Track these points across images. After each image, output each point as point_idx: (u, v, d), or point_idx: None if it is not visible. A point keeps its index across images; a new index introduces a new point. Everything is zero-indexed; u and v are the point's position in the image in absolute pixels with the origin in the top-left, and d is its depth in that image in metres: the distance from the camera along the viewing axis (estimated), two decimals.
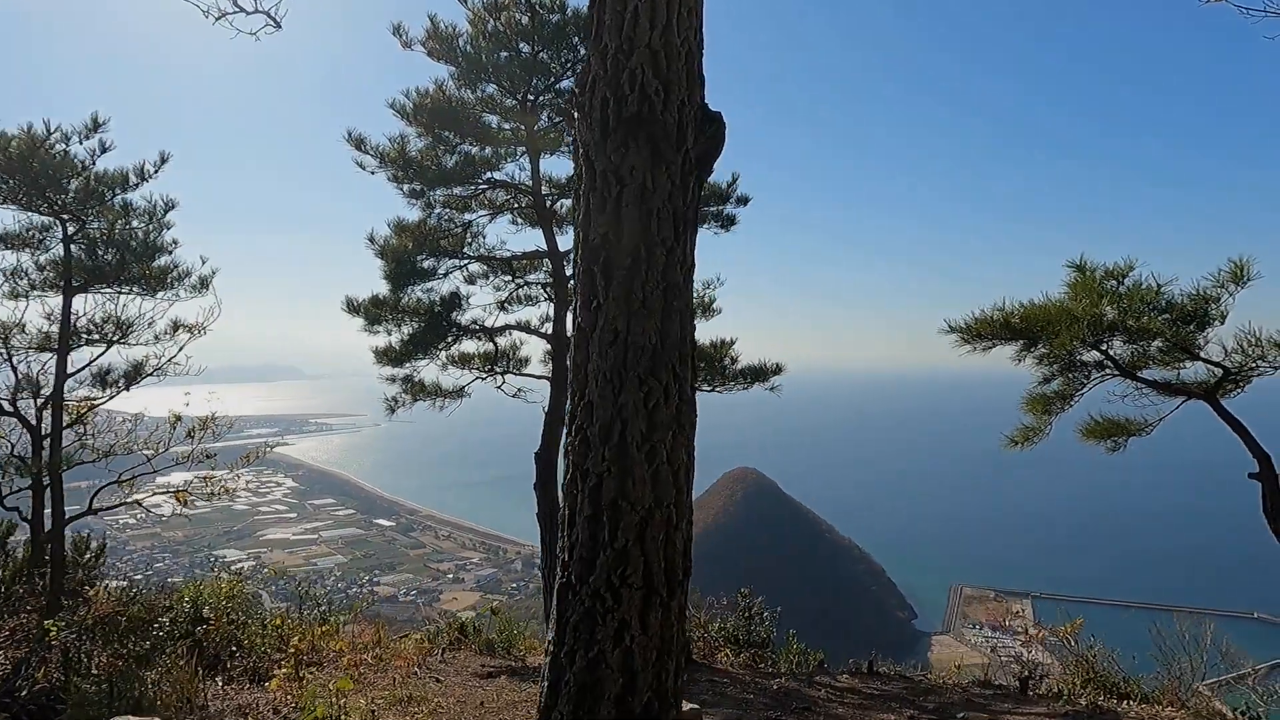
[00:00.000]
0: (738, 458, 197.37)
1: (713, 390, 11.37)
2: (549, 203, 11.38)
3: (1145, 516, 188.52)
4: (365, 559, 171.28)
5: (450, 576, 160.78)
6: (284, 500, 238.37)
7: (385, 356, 10.60)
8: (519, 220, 11.94)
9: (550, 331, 11.14)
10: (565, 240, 11.72)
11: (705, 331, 11.18)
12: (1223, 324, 7.96)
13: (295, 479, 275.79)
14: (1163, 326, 7.52)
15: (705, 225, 11.47)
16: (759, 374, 11.06)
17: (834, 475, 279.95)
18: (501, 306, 12.07)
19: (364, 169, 9.99)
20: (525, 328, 11.55)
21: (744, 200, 10.99)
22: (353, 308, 10.38)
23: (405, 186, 10.44)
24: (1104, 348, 7.93)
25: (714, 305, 11.59)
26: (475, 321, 11.30)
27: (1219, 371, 7.90)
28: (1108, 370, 8.12)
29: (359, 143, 9.87)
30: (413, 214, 10.71)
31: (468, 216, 11.13)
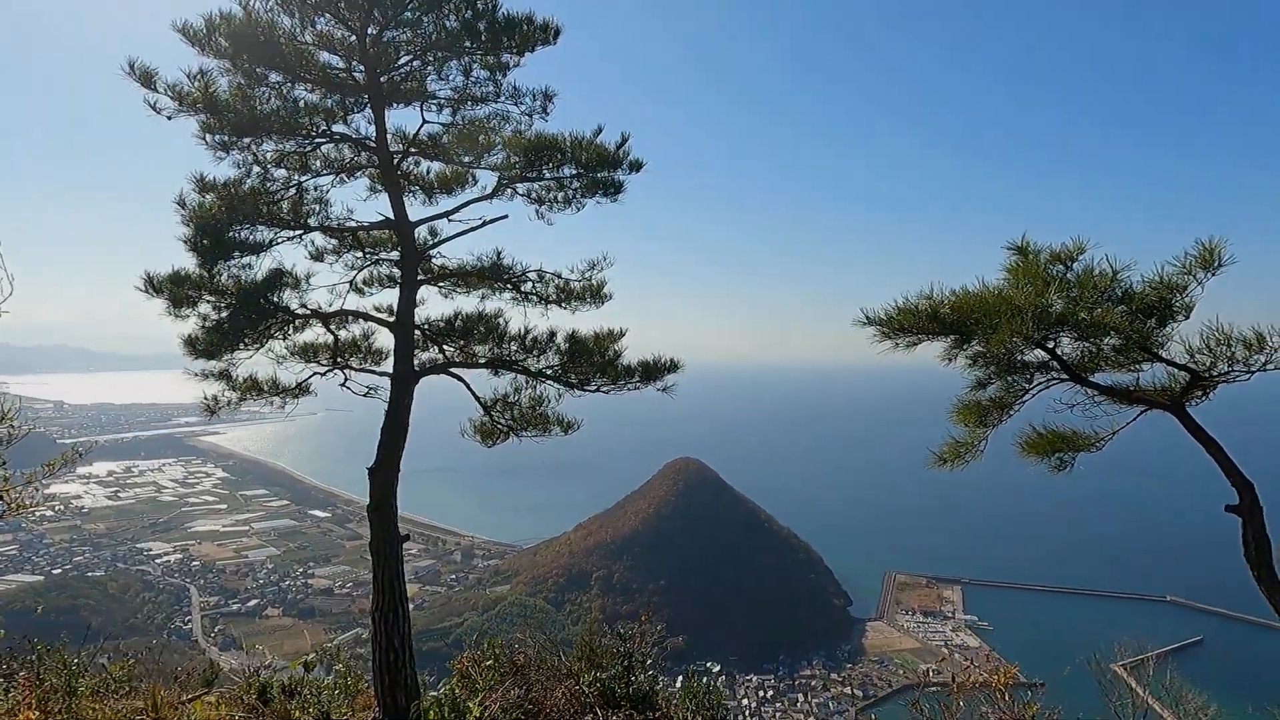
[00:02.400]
0: (680, 449, 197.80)
1: (598, 390, 9.69)
2: (398, 161, 9.49)
3: (1067, 504, 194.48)
4: (299, 551, 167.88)
5: None
6: (214, 491, 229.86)
7: (192, 347, 8.58)
8: (379, 186, 9.99)
9: (394, 318, 9.25)
10: (417, 209, 9.88)
11: (593, 320, 9.52)
12: (1187, 319, 6.57)
13: (226, 469, 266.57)
14: (1120, 320, 6.07)
15: (591, 196, 9.74)
16: (651, 371, 9.38)
17: (776, 466, 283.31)
18: (357, 289, 10.17)
19: (158, 112, 7.98)
20: (365, 315, 9.61)
21: (636, 166, 9.26)
22: (153, 286, 8.35)
23: (210, 137, 8.43)
24: (1051, 345, 6.46)
25: (604, 290, 9.87)
26: (305, 306, 9.33)
27: (1184, 376, 6.51)
28: (1054, 374, 6.67)
29: (147, 78, 7.84)
30: (221, 170, 8.72)
31: (300, 178, 9.17)
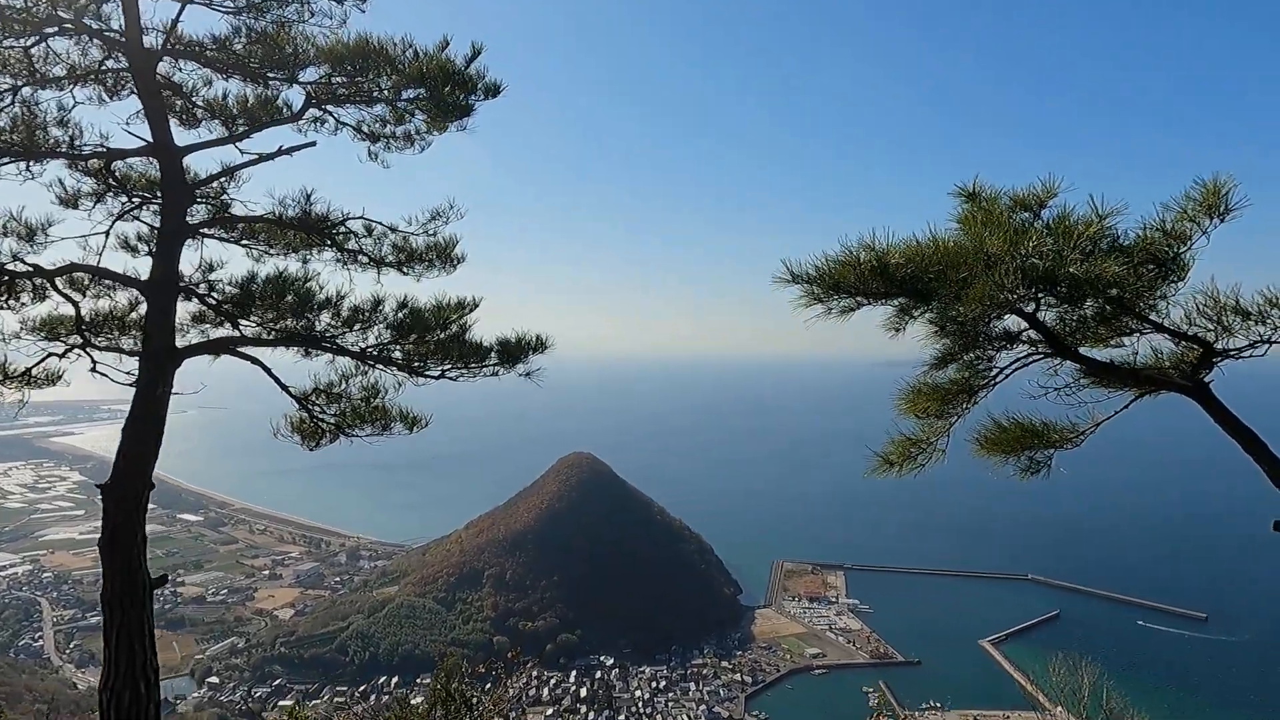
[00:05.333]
0: (574, 443, 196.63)
1: (442, 375, 7.63)
2: (160, 67, 7.09)
3: (937, 487, 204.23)
4: (167, 558, 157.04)
5: (266, 573, 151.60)
6: (69, 496, 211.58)
7: None
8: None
9: (147, 276, 6.85)
10: (186, 134, 7.49)
11: (435, 287, 7.43)
12: (1183, 281, 5.13)
13: (83, 472, 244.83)
14: (1122, 275, 4.54)
15: (438, 128, 7.63)
16: (512, 352, 7.39)
17: (669, 459, 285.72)
18: (129, 248, 7.71)
19: None
20: (104, 272, 7.12)
21: (493, 89, 7.23)
22: None
23: None
24: (1034, 309, 4.88)
25: (455, 251, 7.77)
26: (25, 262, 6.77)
27: (1196, 350, 5.07)
28: (1038, 347, 5.11)
29: None
30: None
31: (23, 85, 6.63)
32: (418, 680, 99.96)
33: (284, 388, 7.60)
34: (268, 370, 7.41)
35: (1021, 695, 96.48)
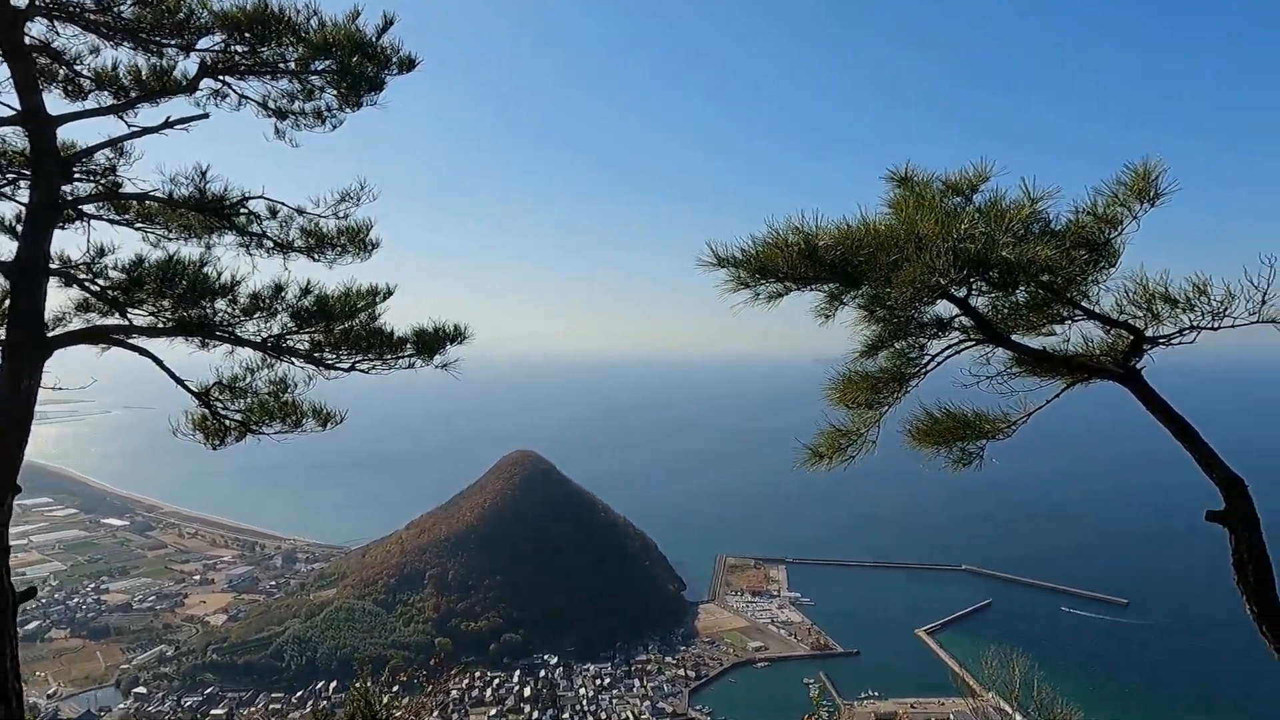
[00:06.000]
0: (517, 441, 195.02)
1: (353, 367, 7.16)
2: (35, 29, 6.42)
3: (875, 481, 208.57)
4: (90, 564, 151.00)
5: (197, 578, 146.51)
6: None
7: None
8: (48, 82, 6.85)
9: (13, 256, 6.18)
10: (72, 107, 6.85)
11: (348, 275, 6.95)
12: (1114, 267, 5.03)
13: None
14: (1056, 259, 4.39)
15: (350, 104, 7.15)
16: (428, 343, 6.96)
17: (614, 456, 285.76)
18: (6, 229, 7.01)
19: None
20: None
21: (408, 64, 6.77)
22: None
23: None
24: (966, 294, 4.71)
25: (369, 236, 7.28)
26: None
27: (1126, 337, 4.96)
28: (970, 334, 4.94)
29: None
30: None
31: None
32: (356, 684, 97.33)
33: (180, 382, 7.01)
34: (159, 362, 6.79)
35: (956, 683, 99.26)
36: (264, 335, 7.01)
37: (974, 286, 4.67)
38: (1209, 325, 4.67)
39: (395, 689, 10.36)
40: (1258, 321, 4.33)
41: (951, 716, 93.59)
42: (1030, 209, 4.84)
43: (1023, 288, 4.96)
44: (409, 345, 6.91)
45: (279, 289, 6.86)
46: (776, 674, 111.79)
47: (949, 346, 4.99)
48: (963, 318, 4.86)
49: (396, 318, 7.30)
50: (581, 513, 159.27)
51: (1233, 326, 4.49)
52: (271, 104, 7.31)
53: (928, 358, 4.99)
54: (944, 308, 4.89)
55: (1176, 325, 4.96)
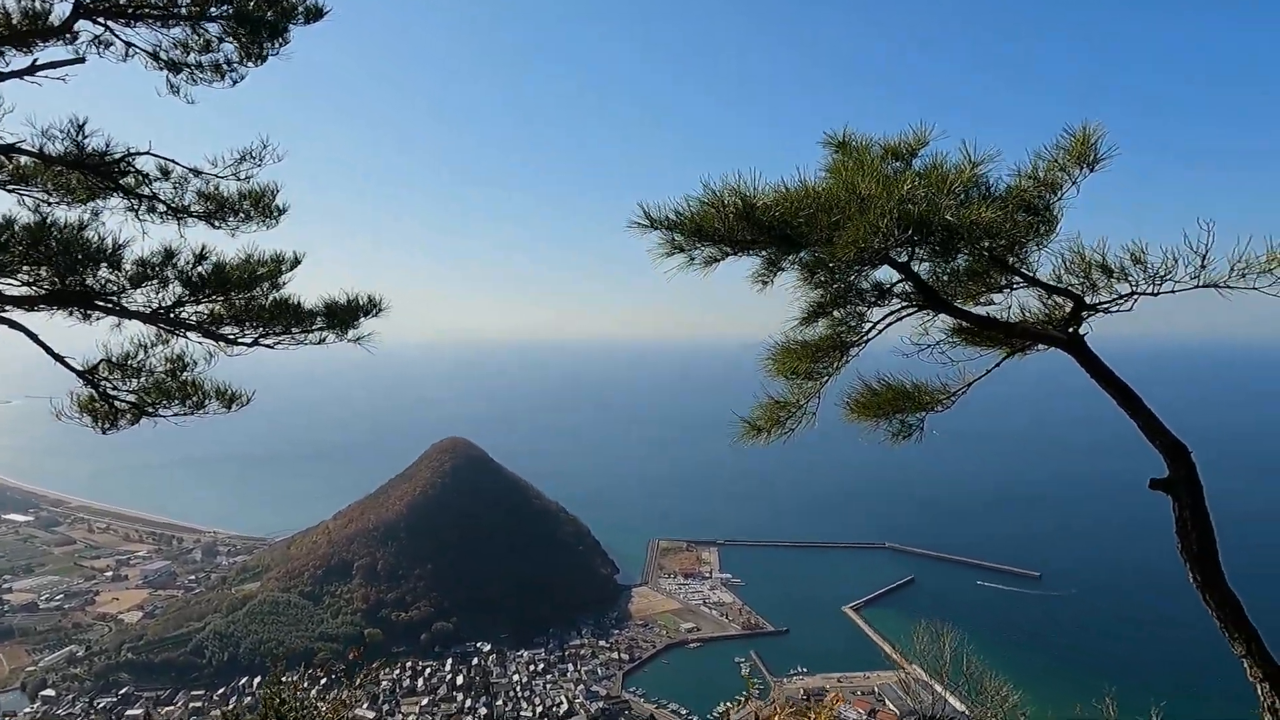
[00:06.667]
0: (448, 429, 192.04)
1: (256, 343, 6.61)
2: None
3: (803, 464, 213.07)
4: None
5: (110, 575, 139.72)
6: None
7: None
8: None
9: None
10: None
11: (249, 243, 6.37)
12: (1053, 234, 4.94)
13: None
14: (998, 221, 4.24)
15: (252, 57, 6.56)
16: (340, 315, 6.46)
17: (548, 442, 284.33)
18: None
19: None
20: None
21: (315, 13, 6.22)
22: None
23: None
24: (908, 259, 4.53)
25: (274, 201, 6.70)
26: None
27: (1065, 306, 4.87)
28: (911, 301, 4.77)
29: None
30: None
31: None
32: (282, 678, 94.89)
33: (59, 359, 6.33)
34: (34, 337, 6.08)
35: (881, 656, 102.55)
36: (154, 306, 6.41)
37: (916, 251, 4.50)
38: (1149, 291, 4.61)
39: (323, 681, 9.85)
40: (1199, 286, 4.28)
41: (877, 689, 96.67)
42: (971, 172, 4.69)
43: (963, 254, 4.82)
44: (319, 318, 6.41)
45: (169, 254, 6.25)
46: (708, 654, 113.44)
47: (891, 313, 4.83)
48: (904, 284, 4.69)
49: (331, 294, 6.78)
50: (514, 499, 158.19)
51: (1173, 292, 4.43)
52: (164, 55, 6.66)
53: (869, 325, 4.82)
54: (885, 274, 4.72)
55: (1112, 294, 4.91)
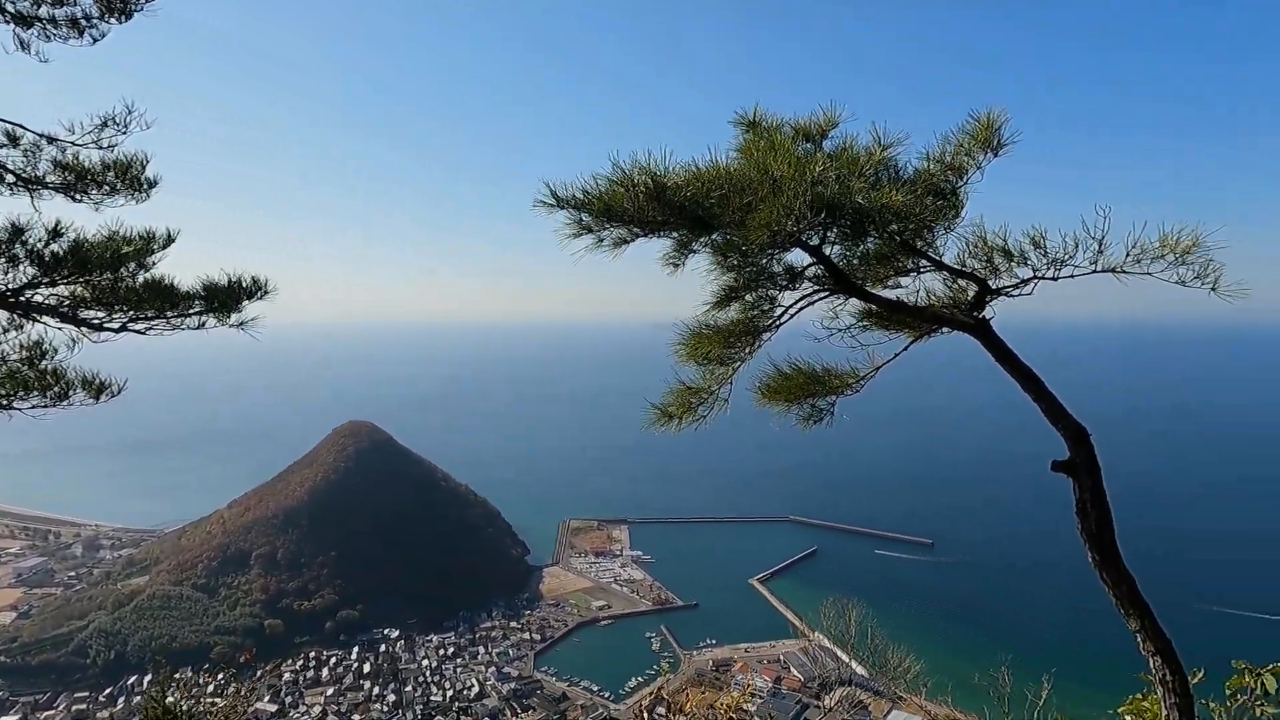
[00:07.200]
0: (351, 413, 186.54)
1: (124, 328, 6.04)
2: None
3: (710, 440, 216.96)
4: None
5: None
6: None
7: None
8: None
9: None
10: None
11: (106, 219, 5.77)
12: (959, 218, 4.99)
13: None
14: (908, 205, 4.23)
15: (114, 11, 5.94)
16: (220, 298, 5.96)
17: (454, 425, 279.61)
18: None
19: None
20: None
21: None
22: None
23: None
24: (820, 242, 4.47)
25: (143, 173, 6.09)
26: None
27: (969, 289, 4.93)
28: (823, 285, 4.73)
29: None
30: None
31: None
32: (175, 675, 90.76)
33: None
34: None
35: (787, 626, 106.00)
36: (2, 288, 5.75)
37: (828, 234, 4.45)
38: (1049, 276, 4.71)
39: (220, 676, 9.29)
40: (1096, 271, 4.40)
41: (782, 657, 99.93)
42: (881, 155, 4.68)
43: (873, 237, 4.81)
44: (198, 301, 5.89)
45: (18, 231, 5.60)
46: (620, 631, 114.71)
47: (803, 297, 4.78)
48: (816, 267, 4.65)
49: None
50: (421, 482, 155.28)
51: (1072, 276, 4.54)
52: (10, 6, 5.96)
53: (781, 309, 4.77)
54: (797, 257, 4.66)
55: (1014, 278, 5.00)
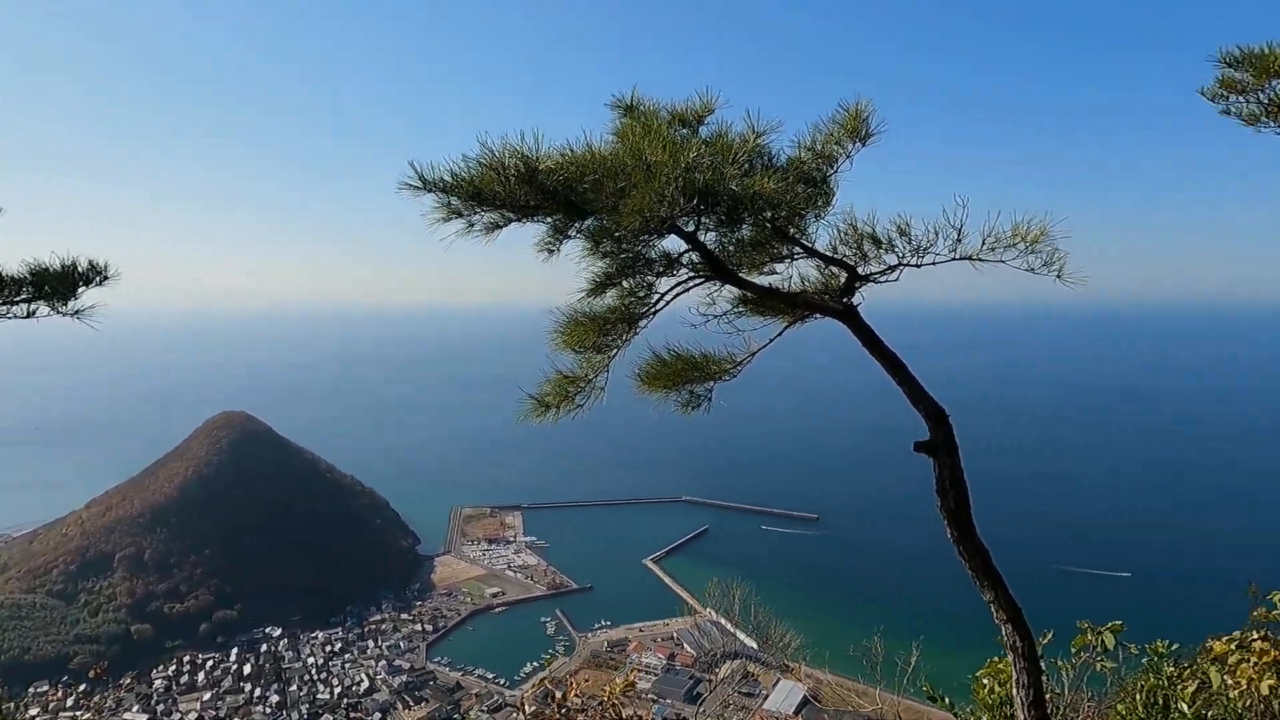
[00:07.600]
0: (224, 403, 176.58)
1: None
2: None
3: (599, 423, 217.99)
4: None
5: None
6: None
7: None
8: None
9: None
10: None
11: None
12: (830, 206, 5.13)
13: None
14: (779, 193, 4.30)
15: None
16: (52, 283, 5.40)
17: (337, 413, 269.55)
18: None
19: None
20: None
21: None
22: None
23: None
24: (695, 228, 4.49)
25: None
26: None
27: (840, 276, 5.08)
28: (699, 271, 4.75)
29: None
30: None
31: None
32: (30, 689, 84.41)
33: None
34: None
35: (679, 604, 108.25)
36: None
37: (702, 221, 4.47)
38: (913, 263, 4.91)
39: (80, 688, 8.54)
40: (955, 259, 4.61)
41: (675, 634, 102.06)
42: (755, 142, 4.74)
43: (748, 224, 4.88)
44: (25, 288, 5.34)
45: None
46: (515, 616, 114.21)
47: (679, 284, 4.80)
48: (691, 253, 4.67)
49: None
50: (302, 474, 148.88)
51: (933, 264, 4.75)
52: None
53: (657, 296, 4.77)
54: (673, 244, 4.66)
55: (882, 264, 5.18)
